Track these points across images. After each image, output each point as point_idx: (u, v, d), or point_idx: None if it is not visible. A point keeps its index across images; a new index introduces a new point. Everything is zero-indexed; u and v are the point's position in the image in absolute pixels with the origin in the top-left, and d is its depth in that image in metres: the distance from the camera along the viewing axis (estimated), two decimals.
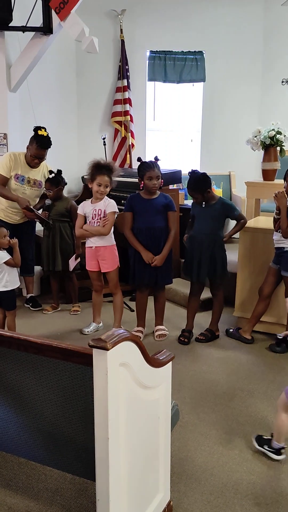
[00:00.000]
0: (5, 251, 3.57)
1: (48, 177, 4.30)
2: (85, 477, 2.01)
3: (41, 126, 4.22)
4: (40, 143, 4.17)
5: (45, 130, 4.20)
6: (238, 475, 2.37)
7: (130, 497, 1.74)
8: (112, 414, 1.54)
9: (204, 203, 3.75)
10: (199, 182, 3.71)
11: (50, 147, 4.25)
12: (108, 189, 3.71)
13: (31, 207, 4.24)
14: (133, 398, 1.68)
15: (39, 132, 4.17)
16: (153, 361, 1.79)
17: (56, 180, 4.30)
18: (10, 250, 3.59)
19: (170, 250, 3.81)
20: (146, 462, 1.86)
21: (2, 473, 2.36)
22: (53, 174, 4.29)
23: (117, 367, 1.55)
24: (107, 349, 1.47)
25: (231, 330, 3.96)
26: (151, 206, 3.79)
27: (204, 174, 3.73)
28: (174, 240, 3.89)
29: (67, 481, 2.30)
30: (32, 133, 4.22)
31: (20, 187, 4.28)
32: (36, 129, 4.19)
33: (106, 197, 3.83)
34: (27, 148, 4.27)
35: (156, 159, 3.82)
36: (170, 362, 1.94)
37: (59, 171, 4.32)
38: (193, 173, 3.76)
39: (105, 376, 1.50)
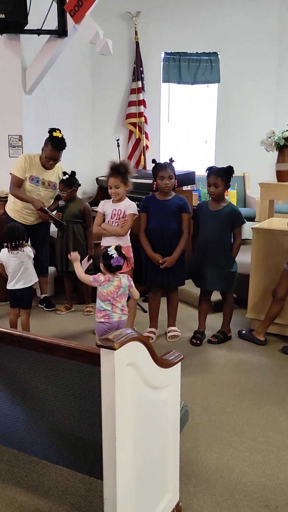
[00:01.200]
0: (30, 247, 3.65)
1: (62, 179, 4.33)
2: (94, 476, 2.03)
3: (56, 127, 4.25)
4: (55, 145, 4.20)
5: (60, 132, 4.23)
6: (248, 477, 2.36)
7: (138, 497, 1.75)
8: (120, 414, 1.55)
9: (215, 200, 3.74)
10: (226, 169, 3.67)
11: (64, 149, 4.29)
12: (119, 190, 3.70)
13: (45, 208, 4.28)
14: (141, 398, 1.69)
15: (54, 134, 4.20)
16: (162, 362, 1.79)
17: (70, 182, 4.33)
18: None
19: (182, 252, 3.80)
20: (155, 462, 1.86)
21: (13, 471, 2.39)
22: (67, 176, 4.32)
23: (124, 367, 1.56)
24: (115, 349, 1.48)
25: (243, 331, 3.94)
26: (165, 207, 3.80)
27: (231, 168, 3.69)
28: (187, 242, 3.89)
29: (77, 480, 2.31)
30: (47, 135, 4.26)
31: (35, 189, 4.32)
32: (51, 130, 4.22)
33: (127, 198, 3.84)
34: (42, 149, 4.31)
35: (171, 160, 3.82)
36: (179, 363, 1.95)
37: (73, 173, 4.35)
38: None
39: (113, 376, 1.51)
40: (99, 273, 3.07)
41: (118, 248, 3.00)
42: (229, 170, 3.67)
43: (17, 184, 4.27)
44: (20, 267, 3.63)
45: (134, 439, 1.66)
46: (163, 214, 3.79)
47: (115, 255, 2.96)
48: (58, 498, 2.22)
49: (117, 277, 3.04)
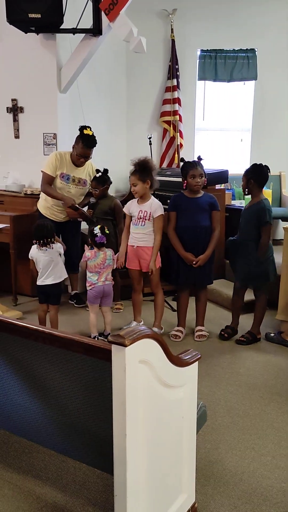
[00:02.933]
0: (61, 243, 3.79)
1: (95, 176, 4.36)
2: (108, 472, 2.03)
3: (87, 125, 4.29)
4: (86, 142, 4.24)
5: (90, 129, 4.26)
6: (269, 482, 2.31)
7: (150, 495, 1.73)
8: (131, 411, 1.54)
9: (247, 195, 3.76)
10: (252, 167, 3.72)
11: (95, 146, 4.32)
12: (137, 188, 3.72)
13: (76, 205, 4.32)
14: (153, 396, 1.67)
15: (85, 132, 4.24)
16: (177, 360, 1.77)
17: (103, 179, 4.35)
18: None
19: (213, 250, 3.77)
20: (168, 462, 1.85)
21: (33, 463, 2.42)
22: (100, 173, 4.35)
23: (136, 363, 1.55)
24: (125, 345, 1.47)
25: (271, 334, 3.86)
26: (195, 205, 3.78)
27: (261, 165, 3.68)
28: (218, 240, 3.86)
29: (95, 475, 2.32)
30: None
31: (66, 186, 4.37)
32: (82, 128, 4.26)
33: (152, 197, 3.84)
34: (73, 147, 4.35)
35: (199, 158, 3.79)
36: (196, 362, 1.92)
37: (106, 170, 4.38)
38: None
39: (123, 372, 1.50)
40: (86, 250, 3.82)
41: (102, 228, 3.73)
42: (253, 168, 3.69)
43: (48, 181, 4.34)
44: (50, 264, 3.68)
45: (146, 436, 1.65)
46: (194, 211, 3.77)
47: (99, 233, 3.70)
48: (75, 492, 2.23)
49: (103, 251, 3.79)
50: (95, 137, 4.28)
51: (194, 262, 3.73)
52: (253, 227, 3.67)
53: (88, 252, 3.77)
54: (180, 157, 3.95)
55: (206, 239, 3.76)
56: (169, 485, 1.88)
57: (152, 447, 1.70)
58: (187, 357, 1.87)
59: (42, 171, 4.37)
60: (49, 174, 4.32)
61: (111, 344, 1.51)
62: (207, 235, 3.77)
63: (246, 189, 3.71)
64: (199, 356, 1.94)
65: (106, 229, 3.74)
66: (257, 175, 3.65)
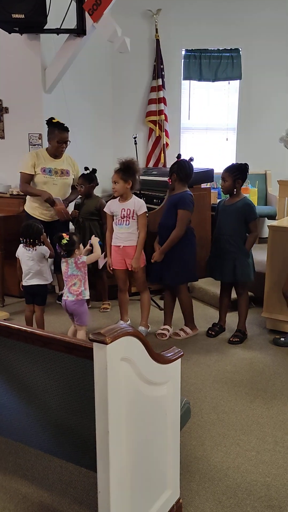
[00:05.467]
0: (45, 246, 3.71)
1: (83, 173, 4.38)
2: (93, 470, 2.03)
3: (51, 117, 4.36)
4: (61, 127, 4.32)
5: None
6: (253, 476, 2.34)
7: (134, 491, 1.75)
8: (113, 408, 1.56)
9: (229, 195, 3.75)
10: (236, 166, 3.71)
11: (69, 130, 4.40)
12: (117, 186, 3.75)
13: (52, 199, 4.31)
14: (136, 393, 1.69)
15: (54, 121, 4.31)
16: (159, 358, 1.79)
17: (90, 177, 4.38)
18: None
19: (168, 248, 3.72)
20: (152, 458, 1.86)
21: (19, 463, 2.43)
22: (88, 171, 4.38)
23: (118, 361, 1.56)
24: (107, 343, 1.48)
25: (282, 339, 3.77)
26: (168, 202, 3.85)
27: (245, 165, 3.71)
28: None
29: (81, 474, 2.33)
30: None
31: (50, 179, 4.38)
32: (50, 120, 4.33)
33: (134, 196, 3.86)
34: (48, 141, 4.40)
35: (191, 159, 3.82)
36: (179, 360, 1.94)
37: (94, 170, 4.41)
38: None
39: (105, 370, 1.51)
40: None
41: (59, 238, 3.37)
42: (238, 166, 3.70)
43: (26, 180, 4.36)
44: (34, 264, 3.67)
45: (128, 433, 1.66)
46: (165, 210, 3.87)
47: (57, 244, 3.41)
48: (61, 491, 2.24)
49: (65, 261, 3.46)
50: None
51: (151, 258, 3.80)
52: (241, 223, 3.69)
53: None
54: (178, 153, 3.90)
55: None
56: (153, 481, 1.90)
57: (135, 443, 1.72)
58: (169, 355, 1.89)
59: (20, 172, 4.37)
60: (26, 172, 4.33)
61: (92, 342, 1.52)
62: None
63: (235, 189, 3.71)
64: (182, 353, 1.95)
65: (65, 239, 3.37)
66: (244, 175, 3.68)
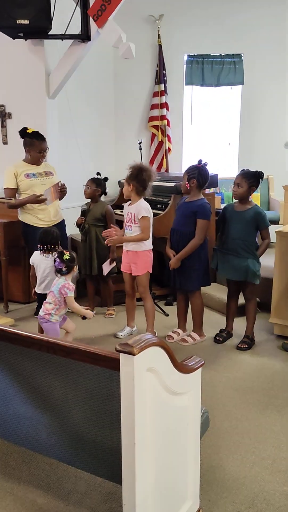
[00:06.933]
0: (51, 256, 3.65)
1: (94, 177, 4.37)
2: (113, 481, 2.02)
3: (24, 126, 4.32)
4: (39, 137, 4.31)
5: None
6: (271, 485, 2.32)
7: (157, 503, 1.73)
8: (139, 419, 1.54)
9: (239, 200, 3.75)
10: (252, 173, 3.69)
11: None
12: (124, 189, 3.81)
13: (38, 196, 4.20)
14: (160, 403, 1.67)
15: (29, 131, 4.28)
16: (182, 367, 1.77)
17: (98, 182, 4.37)
18: None
19: (186, 255, 3.75)
20: (174, 469, 1.84)
21: (34, 473, 2.40)
22: (99, 176, 4.37)
23: (144, 372, 1.55)
24: (134, 354, 1.47)
25: None
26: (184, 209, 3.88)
27: (261, 173, 3.70)
28: (208, 244, 3.90)
29: (97, 484, 2.31)
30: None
31: (37, 181, 4.31)
32: (24, 130, 4.28)
33: (142, 200, 3.84)
34: (27, 152, 4.35)
35: (205, 164, 3.81)
36: (200, 369, 1.92)
37: (106, 178, 4.43)
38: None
39: (132, 381, 1.50)
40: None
41: (61, 253, 3.35)
42: (256, 174, 3.68)
43: (11, 195, 4.27)
44: (51, 272, 3.62)
45: (154, 445, 1.65)
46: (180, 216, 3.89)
47: (58, 259, 3.35)
48: (77, 501, 2.21)
49: (56, 279, 3.41)
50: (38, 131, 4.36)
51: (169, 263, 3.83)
52: (252, 230, 3.69)
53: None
54: (199, 159, 3.88)
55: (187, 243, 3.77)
56: (175, 492, 1.88)
57: (159, 455, 1.70)
58: (192, 364, 1.88)
59: (4, 189, 4.30)
60: (10, 187, 4.24)
61: (119, 353, 1.51)
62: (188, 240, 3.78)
63: (243, 198, 3.70)
64: (203, 362, 1.94)
65: (66, 255, 3.36)
66: (258, 183, 3.68)
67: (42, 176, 4.38)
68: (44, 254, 3.63)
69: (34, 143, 4.29)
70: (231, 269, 3.78)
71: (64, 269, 3.35)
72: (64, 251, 3.40)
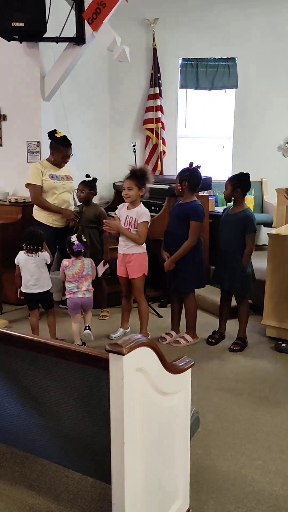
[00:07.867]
0: (46, 252, 3.73)
1: (84, 180, 4.40)
2: (103, 480, 2.03)
3: (54, 129, 4.39)
4: (65, 143, 4.37)
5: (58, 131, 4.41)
6: (261, 485, 2.34)
7: (147, 503, 1.74)
8: (128, 419, 1.56)
9: (233, 203, 3.79)
10: (237, 176, 3.75)
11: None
12: (131, 192, 3.74)
13: (75, 213, 4.41)
14: (150, 403, 1.69)
15: (57, 135, 4.33)
16: (171, 367, 1.79)
17: (91, 184, 4.40)
18: None
19: (179, 257, 3.78)
20: (164, 468, 1.86)
21: (26, 473, 2.41)
22: (89, 178, 4.39)
23: (133, 372, 1.56)
24: (123, 354, 1.49)
25: (283, 345, 3.79)
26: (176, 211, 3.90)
27: (247, 175, 3.74)
28: (202, 246, 3.92)
29: (88, 484, 2.32)
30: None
31: (59, 183, 4.43)
32: (53, 133, 4.34)
33: (141, 205, 3.85)
34: (51, 153, 4.41)
35: (198, 167, 3.83)
36: (190, 369, 1.94)
37: (95, 179, 4.44)
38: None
39: (121, 380, 1.51)
40: (64, 259, 3.82)
41: (79, 236, 3.74)
42: (238, 175, 3.74)
43: (38, 192, 4.34)
44: (36, 271, 3.66)
45: (143, 444, 1.66)
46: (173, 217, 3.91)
47: (76, 242, 3.70)
48: (69, 501, 2.23)
49: (80, 260, 3.77)
50: (66, 135, 4.41)
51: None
52: (239, 235, 3.71)
53: (65, 261, 3.78)
54: (190, 162, 3.91)
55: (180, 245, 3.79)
56: (165, 492, 1.89)
57: (148, 454, 1.72)
58: (181, 364, 1.89)
59: (29, 184, 4.35)
60: (36, 184, 4.32)
61: (108, 353, 1.52)
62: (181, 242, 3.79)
63: (233, 198, 3.74)
64: (193, 362, 1.96)
65: (83, 237, 3.75)
66: (244, 184, 3.70)
67: (64, 180, 4.47)
68: (29, 254, 3.65)
69: (59, 148, 4.36)
70: (222, 278, 3.84)
71: (83, 250, 3.75)
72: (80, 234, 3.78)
